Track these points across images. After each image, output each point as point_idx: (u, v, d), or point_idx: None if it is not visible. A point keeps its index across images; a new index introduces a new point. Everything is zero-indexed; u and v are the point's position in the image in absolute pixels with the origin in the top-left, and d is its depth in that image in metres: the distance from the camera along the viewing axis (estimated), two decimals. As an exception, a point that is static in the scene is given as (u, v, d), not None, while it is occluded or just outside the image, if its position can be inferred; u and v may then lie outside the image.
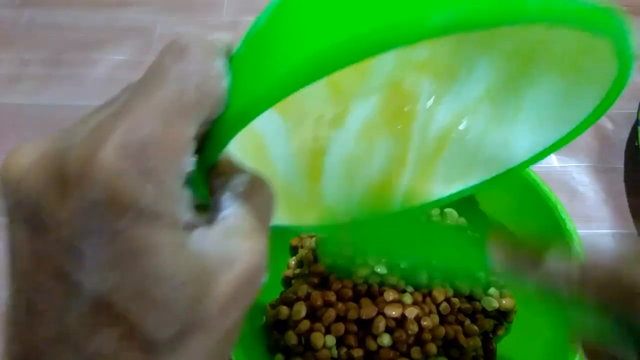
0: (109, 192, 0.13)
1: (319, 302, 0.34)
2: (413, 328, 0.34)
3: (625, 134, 0.50)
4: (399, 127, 0.29)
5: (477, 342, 0.35)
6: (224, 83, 0.16)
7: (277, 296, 0.37)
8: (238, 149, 0.24)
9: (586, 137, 0.50)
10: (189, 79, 0.15)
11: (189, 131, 0.15)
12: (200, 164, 0.17)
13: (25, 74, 0.55)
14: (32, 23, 0.59)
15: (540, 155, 0.26)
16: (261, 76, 0.16)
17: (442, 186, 0.29)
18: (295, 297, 0.35)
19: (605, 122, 0.51)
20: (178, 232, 0.14)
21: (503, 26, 0.14)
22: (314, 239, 0.38)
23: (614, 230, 0.45)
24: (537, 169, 0.48)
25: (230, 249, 0.16)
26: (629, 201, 0.46)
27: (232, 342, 0.17)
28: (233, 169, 0.17)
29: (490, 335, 0.37)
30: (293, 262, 0.39)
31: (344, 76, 0.27)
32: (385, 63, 0.27)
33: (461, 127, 0.28)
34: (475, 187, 0.29)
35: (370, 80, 0.28)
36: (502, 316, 0.37)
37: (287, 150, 0.28)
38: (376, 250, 0.30)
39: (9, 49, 0.57)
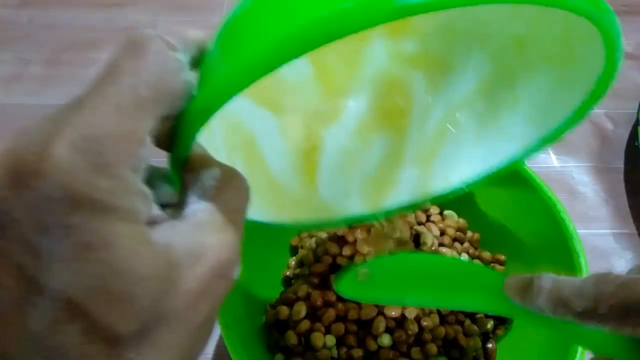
0: (61, 187, 0.13)
1: (319, 302, 0.34)
2: (413, 328, 0.34)
3: (625, 134, 0.50)
4: (394, 122, 0.29)
5: (477, 342, 0.35)
6: (183, 76, 0.16)
7: (277, 296, 0.37)
8: (228, 148, 0.24)
9: (586, 137, 0.50)
10: (143, 73, 0.15)
11: (145, 125, 0.15)
12: (173, 160, 0.18)
13: (25, 74, 0.55)
14: (32, 23, 0.59)
15: (535, 148, 0.26)
16: (221, 67, 0.16)
17: (440, 181, 0.29)
18: (295, 297, 0.35)
19: (605, 122, 0.51)
20: (138, 226, 0.14)
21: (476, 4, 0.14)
22: (314, 239, 0.38)
23: (614, 230, 0.45)
24: (537, 169, 0.48)
25: (198, 243, 0.15)
26: (629, 201, 0.46)
27: (205, 335, 0.17)
28: (204, 164, 0.17)
29: (490, 336, 0.37)
30: (293, 262, 0.39)
31: (334, 72, 0.27)
32: (375, 57, 0.27)
33: (457, 121, 0.28)
34: (473, 183, 0.29)
35: (361, 75, 0.28)
36: (501, 318, 0.37)
37: (280, 147, 0.28)
38: (388, 287, 0.30)
39: (9, 49, 0.57)
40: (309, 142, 0.28)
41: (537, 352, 0.34)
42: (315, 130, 0.28)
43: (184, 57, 0.16)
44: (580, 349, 0.29)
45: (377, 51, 0.27)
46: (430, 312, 0.35)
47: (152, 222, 0.15)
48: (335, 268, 0.37)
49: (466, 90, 0.27)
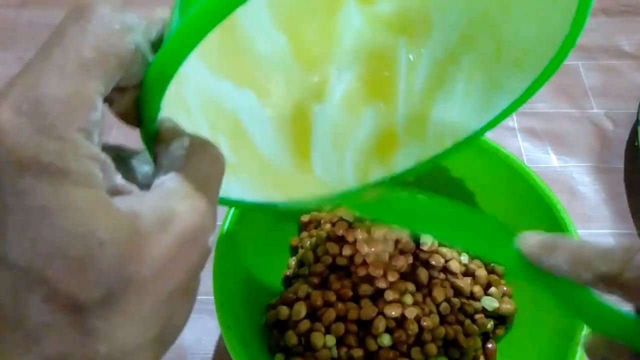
0: (7, 151, 0.13)
1: (319, 302, 0.34)
2: (413, 328, 0.33)
3: (625, 134, 0.50)
4: (382, 91, 0.29)
5: (477, 342, 0.35)
6: (132, 39, 0.15)
7: (277, 296, 0.37)
8: (213, 133, 0.24)
9: (586, 137, 0.50)
10: (87, 35, 0.15)
11: (93, 88, 0.14)
12: (143, 135, 0.17)
13: (25, 74, 0.54)
14: (32, 23, 0.59)
15: (527, 94, 0.27)
16: (172, 29, 0.16)
17: (434, 147, 0.29)
18: (295, 297, 0.35)
19: (605, 122, 0.51)
20: (95, 191, 0.14)
21: None
22: (314, 238, 0.38)
23: (614, 230, 0.45)
24: (537, 169, 0.48)
25: (165, 209, 0.15)
26: (629, 201, 0.46)
27: (182, 306, 0.16)
28: (174, 135, 0.17)
29: (490, 335, 0.37)
30: (293, 262, 0.39)
31: (310, 42, 0.27)
32: (351, 23, 0.27)
33: (444, 86, 0.28)
34: (470, 138, 0.29)
35: (341, 45, 0.27)
36: (501, 319, 0.37)
37: (268, 127, 0.27)
38: (397, 222, 0.30)
39: (9, 49, 0.57)
40: (297, 119, 0.27)
41: (537, 353, 0.34)
42: (302, 106, 0.27)
43: (131, 18, 0.16)
44: (579, 349, 0.29)
45: (352, 17, 0.27)
46: (430, 312, 0.35)
47: (116, 193, 0.15)
48: (335, 268, 0.37)
49: (450, 45, 0.27)
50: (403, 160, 0.29)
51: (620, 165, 0.48)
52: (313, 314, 0.35)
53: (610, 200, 0.46)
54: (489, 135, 0.50)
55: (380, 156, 0.29)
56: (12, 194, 0.13)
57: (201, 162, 0.17)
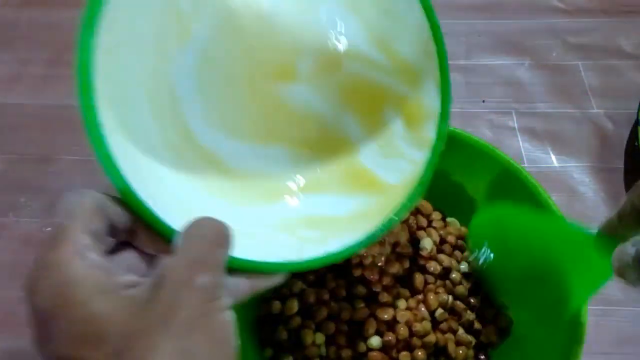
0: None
1: (312, 300, 0.34)
2: (403, 332, 0.33)
3: (625, 134, 0.50)
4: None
5: (467, 352, 0.35)
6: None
7: (271, 289, 0.37)
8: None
9: (586, 137, 0.50)
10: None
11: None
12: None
13: (25, 74, 0.54)
14: (32, 23, 0.59)
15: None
16: None
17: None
18: (289, 292, 0.35)
19: (605, 122, 0.51)
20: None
21: None
22: None
23: (614, 230, 0.45)
24: (537, 169, 0.48)
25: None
26: (629, 201, 0.46)
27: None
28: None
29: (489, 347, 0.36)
30: None
31: None
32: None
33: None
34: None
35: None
36: (501, 331, 0.36)
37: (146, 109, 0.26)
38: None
39: (9, 49, 0.57)
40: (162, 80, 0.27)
41: None
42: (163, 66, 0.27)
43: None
44: None
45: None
46: (423, 319, 0.35)
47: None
48: (330, 267, 0.36)
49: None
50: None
51: (620, 165, 0.48)
52: (305, 311, 0.35)
53: (610, 200, 0.46)
54: (489, 138, 0.50)
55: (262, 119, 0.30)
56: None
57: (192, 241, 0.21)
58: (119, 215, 0.22)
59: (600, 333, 0.39)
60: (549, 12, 0.60)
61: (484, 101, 0.53)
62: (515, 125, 0.51)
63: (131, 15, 0.24)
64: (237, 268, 0.23)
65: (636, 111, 0.48)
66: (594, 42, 0.57)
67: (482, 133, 0.50)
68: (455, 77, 0.55)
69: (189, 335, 0.18)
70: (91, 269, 0.19)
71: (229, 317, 0.20)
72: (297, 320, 0.34)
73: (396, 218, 0.28)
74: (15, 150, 0.49)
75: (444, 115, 0.29)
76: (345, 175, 0.31)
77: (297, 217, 0.29)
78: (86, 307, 0.19)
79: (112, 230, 0.22)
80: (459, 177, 0.39)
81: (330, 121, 0.32)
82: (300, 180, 0.31)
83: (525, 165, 0.48)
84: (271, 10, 0.30)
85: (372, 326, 0.34)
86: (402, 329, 0.34)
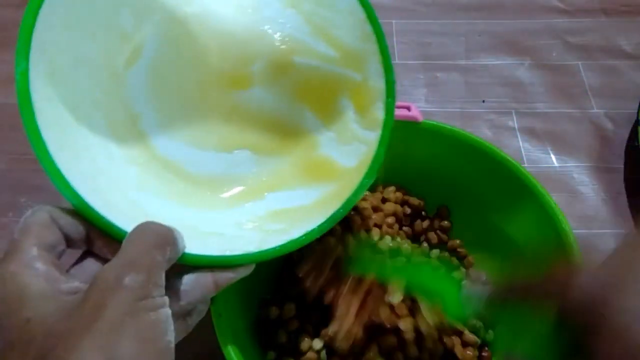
0: None
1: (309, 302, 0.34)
2: (413, 352, 0.33)
3: (625, 134, 0.50)
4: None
5: (474, 352, 0.35)
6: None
7: (272, 291, 0.37)
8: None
9: (586, 137, 0.50)
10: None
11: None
12: None
13: (25, 74, 0.54)
14: (32, 23, 0.59)
15: None
16: None
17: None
18: (285, 296, 0.35)
19: (605, 122, 0.51)
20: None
21: None
22: None
23: (614, 230, 0.45)
24: (537, 169, 0.48)
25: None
26: (629, 201, 0.46)
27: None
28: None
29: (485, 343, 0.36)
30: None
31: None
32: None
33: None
34: None
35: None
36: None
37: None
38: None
39: (9, 49, 0.57)
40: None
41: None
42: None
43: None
44: None
45: None
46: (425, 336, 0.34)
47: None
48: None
49: None
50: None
51: (620, 165, 0.48)
52: (304, 315, 0.35)
53: (610, 200, 0.46)
54: (489, 138, 0.50)
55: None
56: None
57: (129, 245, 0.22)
58: (73, 225, 0.23)
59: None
60: (549, 12, 0.60)
61: (484, 101, 0.53)
62: (515, 125, 0.51)
63: (72, 38, 0.26)
64: (192, 264, 0.24)
65: (636, 111, 0.48)
66: (594, 42, 0.57)
67: (482, 133, 0.50)
68: (455, 77, 0.55)
69: (114, 334, 0.19)
70: (35, 278, 0.20)
71: (162, 316, 0.21)
72: (295, 324, 0.34)
73: (354, 198, 0.29)
74: (15, 150, 0.49)
75: (390, 91, 0.30)
76: (307, 166, 0.32)
77: (264, 213, 0.30)
78: (21, 314, 0.20)
79: (68, 240, 0.23)
80: (453, 173, 0.39)
81: (288, 118, 0.33)
82: (264, 178, 0.32)
83: (525, 165, 0.48)
84: (217, 21, 0.31)
85: (373, 349, 0.33)
86: (412, 348, 0.33)
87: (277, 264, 0.39)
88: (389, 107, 0.30)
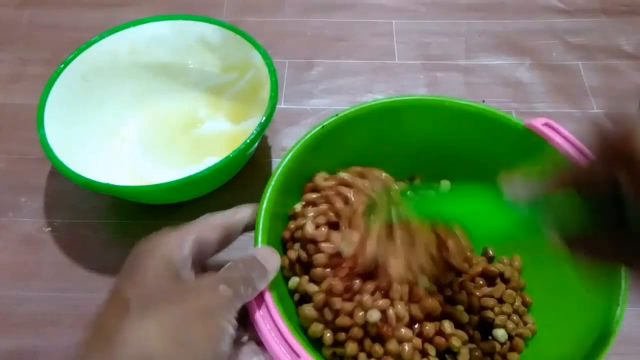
0: None
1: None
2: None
3: (625, 134, 0.50)
4: None
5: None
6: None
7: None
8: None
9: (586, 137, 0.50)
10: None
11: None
12: None
13: (25, 74, 0.55)
14: (32, 23, 0.59)
15: None
16: None
17: None
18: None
19: (605, 122, 0.51)
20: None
21: None
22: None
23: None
24: (537, 169, 0.48)
25: None
26: (629, 201, 0.46)
27: None
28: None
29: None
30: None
31: None
32: None
33: None
34: None
35: None
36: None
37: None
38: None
39: (9, 49, 0.57)
40: None
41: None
42: None
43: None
44: None
45: None
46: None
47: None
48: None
49: None
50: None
51: (620, 165, 0.48)
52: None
53: (610, 200, 0.46)
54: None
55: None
56: None
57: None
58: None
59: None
60: (549, 12, 0.60)
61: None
62: (515, 125, 0.51)
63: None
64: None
65: (636, 111, 0.48)
66: (594, 42, 0.57)
67: (482, 133, 0.50)
68: (455, 77, 0.55)
69: (188, 321, 0.25)
70: (178, 248, 0.27)
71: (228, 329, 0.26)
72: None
73: (255, 132, 0.40)
74: (15, 150, 0.49)
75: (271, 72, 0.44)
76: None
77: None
78: (150, 269, 0.26)
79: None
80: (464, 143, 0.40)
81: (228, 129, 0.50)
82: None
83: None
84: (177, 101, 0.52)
85: None
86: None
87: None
88: (272, 77, 0.44)
